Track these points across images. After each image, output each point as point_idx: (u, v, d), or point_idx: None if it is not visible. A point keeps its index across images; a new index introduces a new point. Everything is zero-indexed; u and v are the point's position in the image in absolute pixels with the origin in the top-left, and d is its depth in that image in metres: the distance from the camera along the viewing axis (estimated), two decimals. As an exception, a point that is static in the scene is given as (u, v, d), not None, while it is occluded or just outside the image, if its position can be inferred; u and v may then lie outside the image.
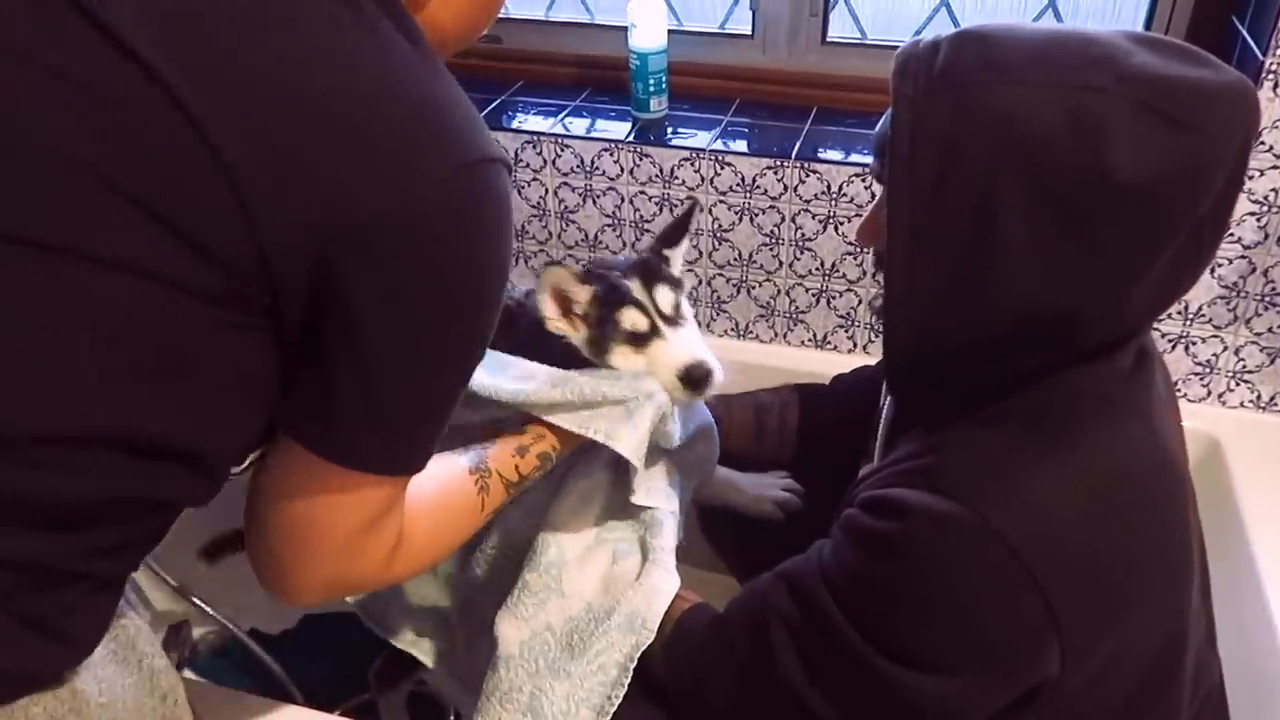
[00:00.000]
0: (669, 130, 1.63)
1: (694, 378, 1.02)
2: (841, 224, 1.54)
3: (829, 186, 1.51)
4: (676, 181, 1.59)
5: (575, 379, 1.00)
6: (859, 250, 1.56)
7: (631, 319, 1.03)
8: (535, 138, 1.64)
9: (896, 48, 0.81)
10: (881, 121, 0.85)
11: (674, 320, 1.06)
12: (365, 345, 0.69)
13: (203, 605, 1.23)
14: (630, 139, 1.60)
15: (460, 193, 0.70)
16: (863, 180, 1.50)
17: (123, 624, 0.77)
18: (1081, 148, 0.71)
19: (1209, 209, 0.75)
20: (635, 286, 1.04)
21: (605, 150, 1.61)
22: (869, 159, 1.50)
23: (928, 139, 0.76)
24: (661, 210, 1.63)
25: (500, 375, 1.01)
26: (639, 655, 1.00)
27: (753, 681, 0.90)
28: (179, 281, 0.64)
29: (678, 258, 1.14)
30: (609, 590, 1.04)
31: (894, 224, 0.79)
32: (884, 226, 0.81)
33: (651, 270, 1.07)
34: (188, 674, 1.08)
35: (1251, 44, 1.32)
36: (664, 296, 1.05)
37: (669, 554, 1.07)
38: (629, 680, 0.99)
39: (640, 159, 1.60)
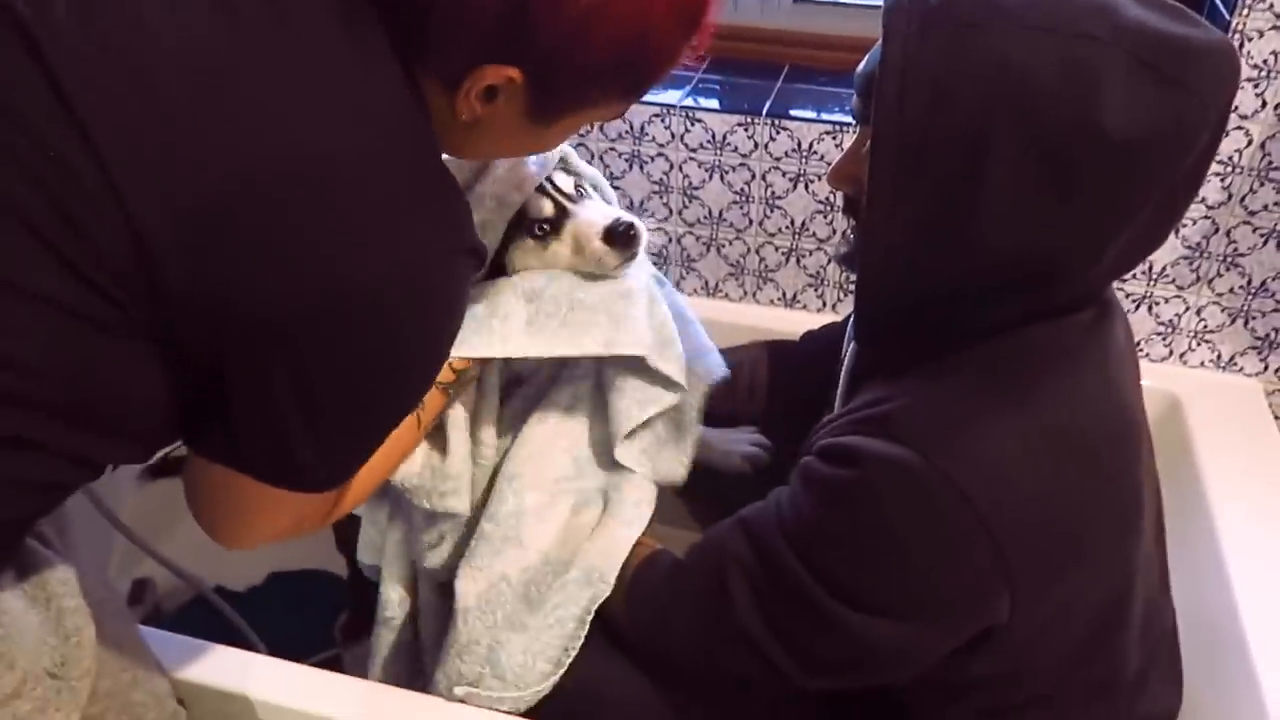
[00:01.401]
0: (640, 86, 1.62)
1: (617, 234, 0.99)
2: (812, 182, 1.54)
3: (799, 144, 1.51)
4: (646, 138, 1.58)
5: (547, 293, 0.98)
6: (829, 209, 1.56)
7: (536, 205, 1.01)
8: (504, 92, 1.62)
9: (868, 6, 0.80)
10: (867, 59, 0.83)
11: (578, 199, 1.04)
12: (284, 410, 0.68)
13: (166, 561, 1.22)
14: (600, 94, 1.59)
15: (416, 285, 0.68)
16: (833, 138, 1.49)
17: (34, 563, 0.76)
18: (1074, 98, 0.71)
19: (1187, 169, 0.76)
20: None
21: (575, 105, 1.59)
22: (840, 117, 1.50)
23: (920, 78, 0.74)
24: (631, 167, 1.61)
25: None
26: (596, 608, 1.00)
27: (710, 625, 0.92)
28: (80, 314, 0.62)
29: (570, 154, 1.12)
30: (566, 542, 1.04)
31: (878, 164, 0.77)
32: (860, 169, 0.80)
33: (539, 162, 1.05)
34: (152, 629, 1.07)
35: (1219, 3, 1.32)
36: (562, 180, 1.04)
37: (630, 506, 1.06)
38: (585, 632, 1.00)
39: (611, 114, 1.58)
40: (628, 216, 1.01)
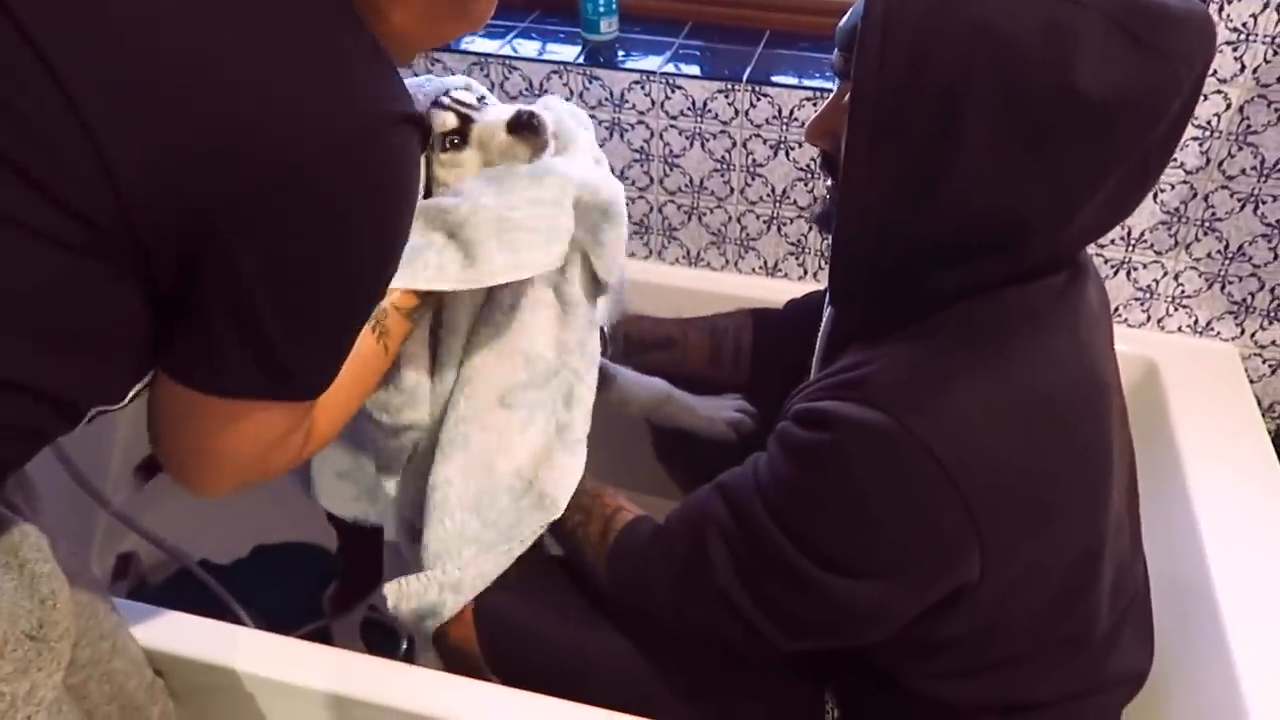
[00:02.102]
0: (619, 53, 1.60)
1: (521, 123, 1.03)
2: (793, 149, 1.53)
3: (780, 111, 1.50)
4: (627, 105, 1.57)
5: (472, 221, 0.99)
6: (810, 176, 1.55)
7: (440, 120, 1.04)
8: (483, 59, 1.60)
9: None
10: (849, 14, 0.84)
11: (480, 108, 1.07)
12: (253, 299, 0.69)
13: (150, 535, 1.22)
14: (580, 61, 1.57)
15: (354, 155, 0.68)
16: (814, 104, 1.48)
17: (4, 529, 0.76)
18: (1052, 61, 0.71)
19: (1161, 134, 0.77)
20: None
21: (554, 73, 1.58)
22: (822, 83, 1.50)
23: (900, 35, 0.74)
24: (611, 135, 1.60)
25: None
26: (570, 571, 1.06)
27: (690, 589, 0.93)
28: (41, 233, 0.63)
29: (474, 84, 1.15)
30: (516, 461, 1.07)
31: (856, 120, 0.78)
32: (839, 125, 0.80)
33: (439, 86, 1.09)
34: (138, 603, 1.07)
35: (1200, -32, 1.32)
36: (462, 94, 1.07)
37: (578, 427, 1.09)
38: (525, 550, 1.06)
39: (590, 82, 1.57)
40: (529, 107, 1.05)
